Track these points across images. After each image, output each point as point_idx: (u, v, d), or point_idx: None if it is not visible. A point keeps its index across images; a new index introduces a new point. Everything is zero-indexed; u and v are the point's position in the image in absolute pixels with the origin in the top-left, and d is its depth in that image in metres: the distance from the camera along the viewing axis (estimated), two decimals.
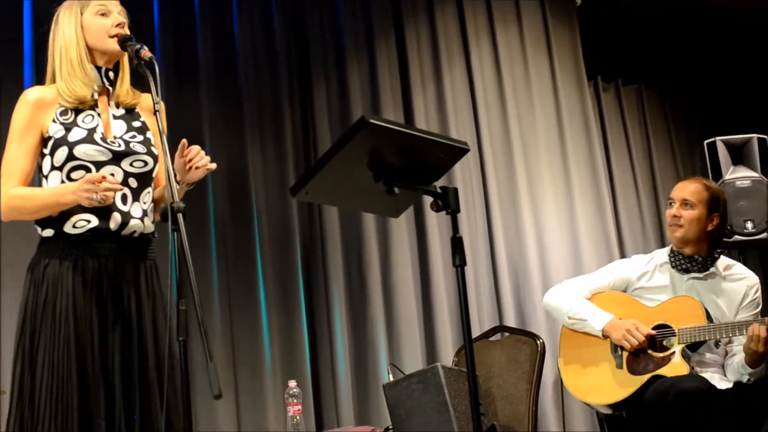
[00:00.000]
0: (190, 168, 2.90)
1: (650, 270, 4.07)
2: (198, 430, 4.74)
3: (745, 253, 5.75)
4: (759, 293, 4.01)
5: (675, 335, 3.82)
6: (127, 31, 2.93)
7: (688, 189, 4.02)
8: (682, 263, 3.99)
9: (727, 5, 6.23)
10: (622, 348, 3.89)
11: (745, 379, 3.83)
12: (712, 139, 5.88)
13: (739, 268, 4.05)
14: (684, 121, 7.21)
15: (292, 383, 4.32)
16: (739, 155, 5.87)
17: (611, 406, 3.95)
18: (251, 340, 5.14)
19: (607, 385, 3.90)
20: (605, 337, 3.94)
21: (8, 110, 2.97)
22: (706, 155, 5.91)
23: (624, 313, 3.95)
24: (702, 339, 3.81)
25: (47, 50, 2.99)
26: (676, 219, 3.99)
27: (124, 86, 3.02)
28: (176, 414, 2.81)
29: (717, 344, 3.93)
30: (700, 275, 3.98)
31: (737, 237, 5.61)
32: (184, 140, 2.92)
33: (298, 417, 4.24)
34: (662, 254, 4.10)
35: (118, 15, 2.96)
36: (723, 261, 4.03)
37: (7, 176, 2.84)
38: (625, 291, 4.10)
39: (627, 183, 6.59)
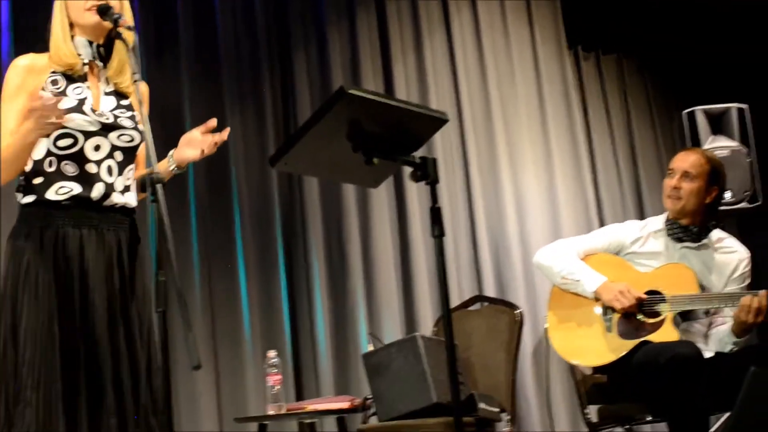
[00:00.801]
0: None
1: (644, 236, 4.04)
2: (177, 400, 4.75)
3: (723, 223, 5.77)
4: (748, 268, 3.99)
5: (666, 302, 3.82)
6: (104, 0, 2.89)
7: (689, 160, 3.97)
8: (677, 232, 3.97)
9: None
10: (613, 311, 3.87)
11: (728, 348, 3.84)
12: (692, 109, 5.87)
13: (731, 242, 4.04)
14: (664, 90, 7.22)
15: (272, 353, 4.33)
16: (718, 125, 5.86)
17: (597, 368, 3.96)
18: (231, 310, 5.14)
19: (595, 347, 3.88)
20: (596, 299, 3.91)
21: None
22: (685, 124, 5.92)
23: (616, 276, 3.92)
24: (693, 307, 3.82)
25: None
26: (675, 191, 3.94)
27: (121, 67, 2.98)
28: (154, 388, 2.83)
29: (706, 313, 3.94)
30: (693, 245, 3.97)
31: None
32: (215, 119, 2.94)
33: (277, 387, 4.25)
34: (657, 221, 4.07)
35: None
36: (716, 233, 4.03)
37: None
38: (617, 254, 4.07)
39: (606, 152, 6.60)
